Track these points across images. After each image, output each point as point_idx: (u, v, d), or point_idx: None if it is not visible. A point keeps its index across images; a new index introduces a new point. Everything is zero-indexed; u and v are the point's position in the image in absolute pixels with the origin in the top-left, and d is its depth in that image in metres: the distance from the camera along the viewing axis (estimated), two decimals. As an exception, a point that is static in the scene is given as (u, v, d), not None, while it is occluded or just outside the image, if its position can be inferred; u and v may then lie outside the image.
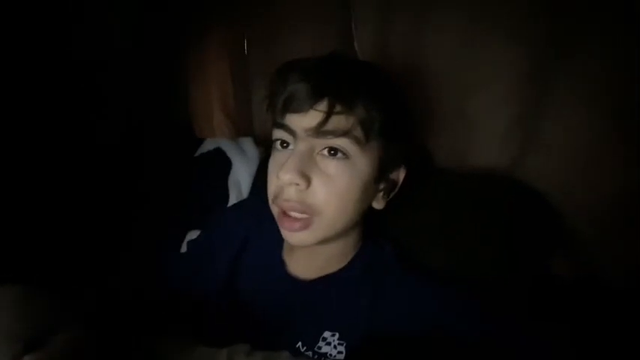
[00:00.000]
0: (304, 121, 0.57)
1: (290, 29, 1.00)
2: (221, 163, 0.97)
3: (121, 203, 0.96)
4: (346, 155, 0.58)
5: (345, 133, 0.57)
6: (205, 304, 0.67)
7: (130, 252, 0.87)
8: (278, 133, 0.60)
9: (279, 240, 0.66)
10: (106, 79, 1.08)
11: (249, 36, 1.11)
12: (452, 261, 0.69)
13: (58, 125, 0.97)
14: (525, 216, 0.71)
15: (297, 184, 0.57)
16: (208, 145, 1.05)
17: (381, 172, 0.61)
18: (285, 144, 0.60)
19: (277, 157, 0.61)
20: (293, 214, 0.59)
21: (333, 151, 0.58)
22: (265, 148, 1.02)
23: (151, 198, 0.97)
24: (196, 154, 1.05)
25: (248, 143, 1.01)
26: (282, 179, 0.57)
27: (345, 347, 0.59)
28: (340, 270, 0.65)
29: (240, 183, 0.94)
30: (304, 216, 0.58)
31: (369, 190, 0.61)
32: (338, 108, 0.56)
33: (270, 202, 0.62)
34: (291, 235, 0.60)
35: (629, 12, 0.63)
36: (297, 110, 0.57)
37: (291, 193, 0.58)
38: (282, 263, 0.68)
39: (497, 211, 0.70)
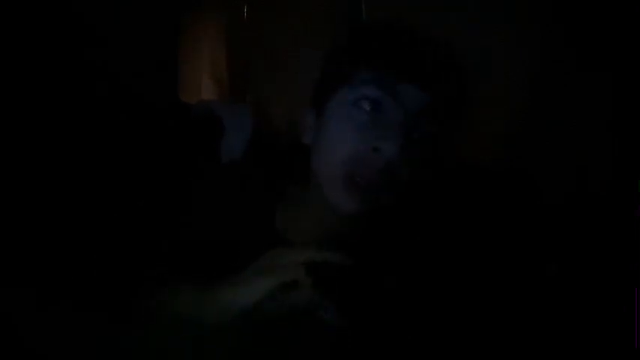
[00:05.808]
0: (419, 97, 0.53)
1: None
2: (213, 127, 0.93)
3: (105, 166, 0.90)
4: (431, 143, 0.56)
5: (440, 123, 0.55)
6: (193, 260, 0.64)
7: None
8: (372, 92, 0.54)
9: (277, 204, 0.64)
10: (89, 37, 1.02)
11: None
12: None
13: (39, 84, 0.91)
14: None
15: (394, 158, 0.52)
16: (199, 108, 1.00)
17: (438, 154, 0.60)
18: (376, 107, 0.54)
19: (360, 119, 0.55)
20: (366, 185, 0.54)
21: (423, 137, 0.55)
22: (260, 117, 0.99)
23: (137, 160, 0.92)
24: (186, 117, 1.01)
25: (243, 110, 0.98)
26: (384, 150, 0.52)
27: (341, 316, 0.56)
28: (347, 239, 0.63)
29: (232, 148, 0.91)
30: (376, 189, 0.55)
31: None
32: (447, 96, 0.55)
33: (331, 166, 0.56)
34: (353, 202, 0.55)
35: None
36: (419, 84, 0.53)
37: (378, 165, 0.53)
38: (279, 228, 0.65)
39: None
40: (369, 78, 0.54)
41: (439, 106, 0.54)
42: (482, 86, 0.73)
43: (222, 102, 1.09)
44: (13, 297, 0.49)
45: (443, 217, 0.67)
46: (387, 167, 0.53)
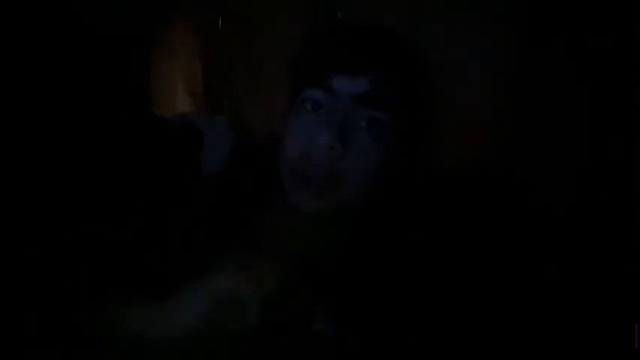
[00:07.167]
0: (353, 85, 0.56)
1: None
2: (192, 139, 0.91)
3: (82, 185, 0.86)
4: (383, 129, 0.56)
5: (388, 108, 0.56)
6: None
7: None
8: (312, 93, 0.58)
9: (265, 217, 0.63)
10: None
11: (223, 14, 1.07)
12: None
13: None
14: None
15: (332, 149, 0.54)
16: (176, 122, 0.97)
17: (408, 150, 0.61)
18: (316, 105, 0.57)
19: (306, 119, 0.58)
20: (316, 179, 0.56)
21: (370, 124, 0.56)
22: (239, 129, 0.97)
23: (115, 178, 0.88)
24: (163, 130, 0.97)
25: (222, 122, 0.96)
26: (320, 142, 0.54)
27: (337, 327, 0.54)
28: (337, 251, 0.60)
29: (213, 162, 0.88)
30: (328, 182, 0.56)
31: (392, 167, 0.59)
32: (391, 80, 0.56)
33: (287, 166, 0.58)
34: (310, 200, 0.56)
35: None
36: (350, 72, 0.56)
37: (322, 158, 0.55)
38: (271, 241, 0.62)
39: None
40: (312, 80, 0.58)
41: (382, 89, 0.56)
42: (482, 87, 0.74)
43: (199, 114, 1.06)
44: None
45: (440, 219, 0.66)
46: (333, 158, 0.55)
